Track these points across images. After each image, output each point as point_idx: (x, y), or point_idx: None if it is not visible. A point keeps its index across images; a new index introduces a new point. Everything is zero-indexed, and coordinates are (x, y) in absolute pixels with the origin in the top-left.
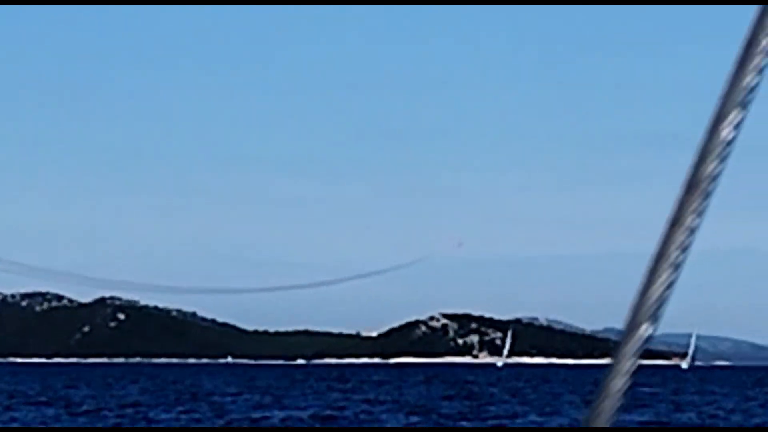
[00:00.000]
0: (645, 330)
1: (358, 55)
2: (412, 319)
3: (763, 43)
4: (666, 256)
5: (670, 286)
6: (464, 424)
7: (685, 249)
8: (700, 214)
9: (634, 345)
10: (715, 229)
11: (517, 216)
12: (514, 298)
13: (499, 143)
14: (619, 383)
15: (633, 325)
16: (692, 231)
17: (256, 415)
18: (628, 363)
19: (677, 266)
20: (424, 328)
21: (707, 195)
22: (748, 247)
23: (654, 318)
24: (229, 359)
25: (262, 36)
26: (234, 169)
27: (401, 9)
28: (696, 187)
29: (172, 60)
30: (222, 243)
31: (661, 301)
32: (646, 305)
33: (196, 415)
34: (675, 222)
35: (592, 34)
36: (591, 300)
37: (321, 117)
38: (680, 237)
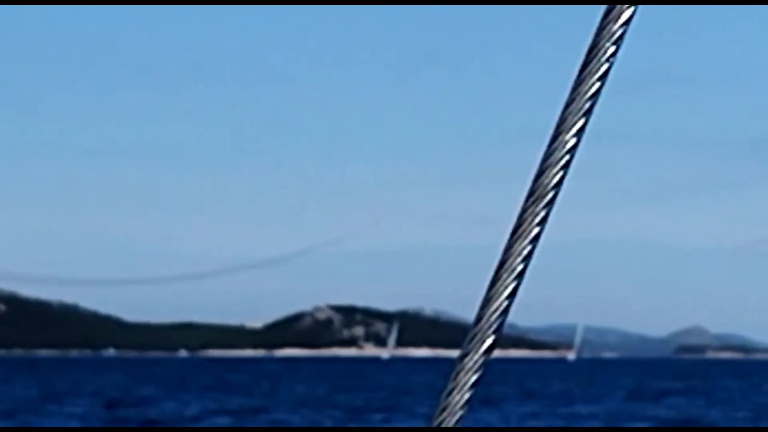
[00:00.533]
0: (488, 341)
1: (245, 50)
2: (298, 310)
3: (606, 48)
4: (509, 265)
5: (512, 294)
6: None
7: (527, 258)
8: (542, 223)
9: (478, 352)
10: (602, 220)
11: (401, 209)
12: (400, 290)
13: (385, 139)
14: (468, 380)
15: (478, 329)
16: (535, 240)
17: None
18: (476, 362)
19: (520, 274)
20: (309, 319)
21: (550, 203)
22: (636, 238)
23: (499, 323)
24: (111, 351)
25: (149, 31)
26: (118, 161)
27: (288, 9)
28: (539, 196)
29: (60, 54)
30: (106, 235)
31: (505, 309)
32: (491, 310)
33: (79, 410)
34: (517, 231)
35: (463, 32)
36: (476, 291)
37: (205, 111)
38: (523, 246)
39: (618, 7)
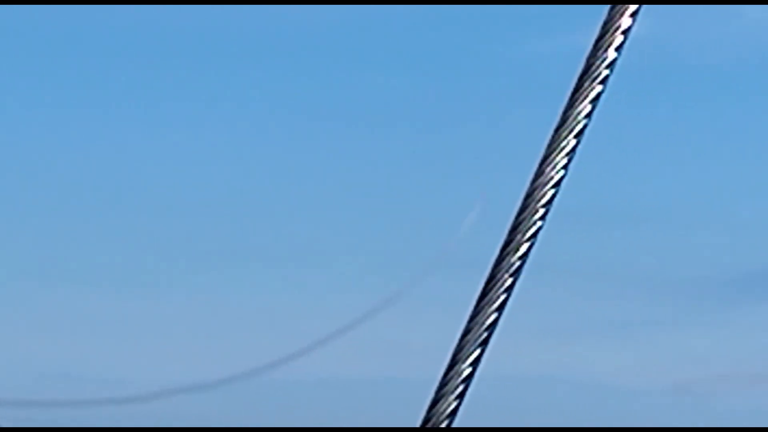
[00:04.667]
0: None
1: (171, 179)
2: None
3: (582, 108)
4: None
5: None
6: None
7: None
8: (508, 290)
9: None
10: (529, 355)
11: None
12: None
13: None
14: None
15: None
16: (501, 306)
17: None
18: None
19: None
20: None
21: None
22: (562, 375)
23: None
24: None
25: (62, 150)
26: (47, 283)
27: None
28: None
29: None
30: (36, 360)
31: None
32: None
33: None
34: (483, 298)
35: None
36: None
37: (136, 233)
38: (488, 317)
39: (594, 68)
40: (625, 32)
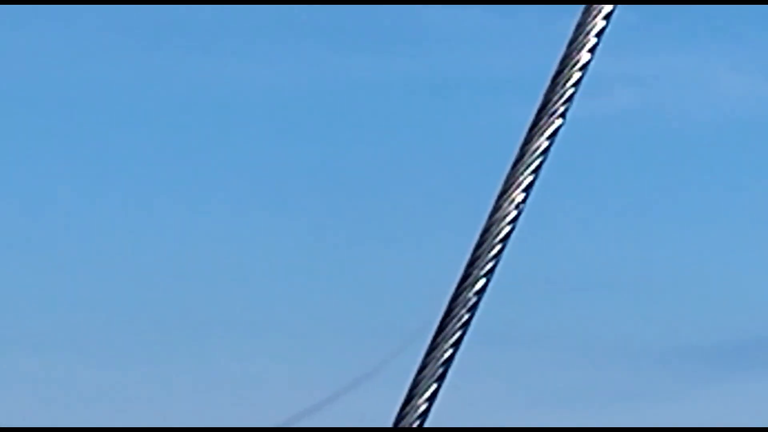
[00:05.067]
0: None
1: (144, 248)
2: None
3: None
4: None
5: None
6: None
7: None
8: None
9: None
10: (510, 422)
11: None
12: None
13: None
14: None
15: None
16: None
17: None
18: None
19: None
20: None
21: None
22: None
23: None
24: None
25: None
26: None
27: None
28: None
29: None
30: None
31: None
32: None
33: None
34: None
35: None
36: None
37: (108, 302)
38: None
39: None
40: (575, 84)
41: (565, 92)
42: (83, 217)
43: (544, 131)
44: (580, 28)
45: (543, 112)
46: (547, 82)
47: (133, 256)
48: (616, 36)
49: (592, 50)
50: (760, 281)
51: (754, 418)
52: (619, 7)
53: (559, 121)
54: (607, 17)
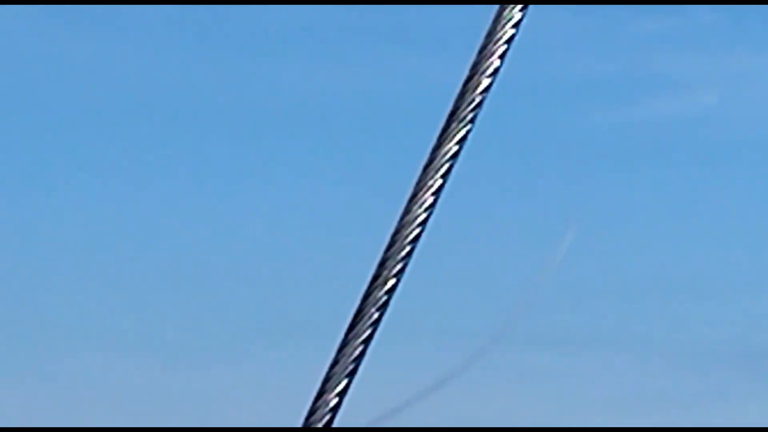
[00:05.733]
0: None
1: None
2: None
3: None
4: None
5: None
6: None
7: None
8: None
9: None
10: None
11: None
12: None
13: None
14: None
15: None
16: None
17: None
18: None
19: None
20: None
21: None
22: None
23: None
24: None
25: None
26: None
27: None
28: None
29: None
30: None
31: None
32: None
33: None
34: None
35: None
36: None
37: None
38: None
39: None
40: (484, 91)
41: (474, 99)
42: (111, 213)
43: (454, 136)
44: (491, 36)
45: (453, 117)
46: (458, 89)
47: (176, 257)
48: (697, 36)
49: (502, 57)
50: None
51: None
52: (698, 7)
53: (468, 127)
54: (517, 25)
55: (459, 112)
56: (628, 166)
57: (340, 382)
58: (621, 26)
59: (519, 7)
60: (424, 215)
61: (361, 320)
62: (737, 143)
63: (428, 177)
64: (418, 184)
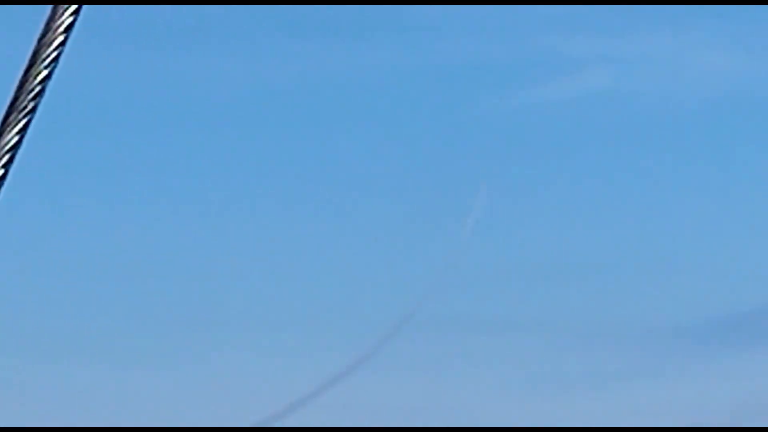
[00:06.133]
0: None
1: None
2: None
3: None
4: None
5: None
6: None
7: None
8: None
9: None
10: (509, 411)
11: None
12: None
13: None
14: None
15: None
16: None
17: None
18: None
19: None
20: None
21: None
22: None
23: None
24: None
25: None
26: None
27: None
28: None
29: None
30: None
31: None
32: None
33: None
34: None
35: None
36: None
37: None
38: None
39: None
40: (43, 81)
41: (33, 88)
42: (65, 216)
43: (15, 126)
44: (49, 25)
45: (13, 107)
46: (18, 78)
47: (120, 256)
48: (591, 17)
49: (59, 47)
50: (742, 258)
51: (739, 393)
52: None
53: (28, 117)
54: (75, 13)
55: (19, 102)
56: (529, 148)
57: None
58: (513, 9)
59: (74, 7)
60: None
61: None
62: (632, 122)
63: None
64: None
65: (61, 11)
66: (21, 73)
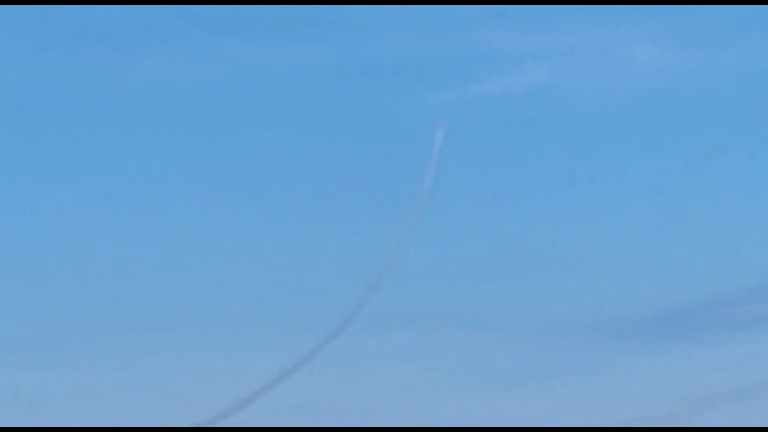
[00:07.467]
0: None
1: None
2: None
3: None
4: None
5: None
6: None
7: None
8: None
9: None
10: (448, 407)
11: None
12: None
13: None
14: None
15: None
16: None
17: None
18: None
19: None
20: None
21: None
22: (485, 423)
23: None
24: None
25: None
26: None
27: None
28: None
29: None
30: None
31: None
32: None
33: None
34: None
35: None
36: None
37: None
38: None
39: None
40: None
41: None
42: None
43: None
44: None
45: None
46: None
47: (48, 256)
48: (527, 14)
49: None
50: (677, 254)
51: (686, 385)
52: None
53: None
54: None
55: None
56: (467, 144)
57: None
58: (450, 8)
59: None
60: None
61: None
62: (569, 116)
63: None
64: None
65: None
66: None
